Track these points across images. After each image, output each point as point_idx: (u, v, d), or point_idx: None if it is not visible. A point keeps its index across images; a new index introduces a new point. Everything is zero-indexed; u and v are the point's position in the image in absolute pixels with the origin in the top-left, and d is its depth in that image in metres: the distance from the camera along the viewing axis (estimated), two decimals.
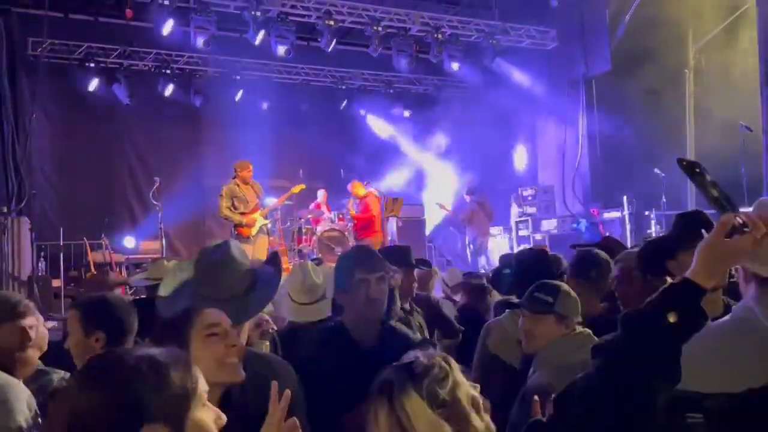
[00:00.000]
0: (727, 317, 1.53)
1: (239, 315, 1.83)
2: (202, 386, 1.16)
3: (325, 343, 2.51)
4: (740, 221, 1.36)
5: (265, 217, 8.59)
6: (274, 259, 2.42)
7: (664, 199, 9.69)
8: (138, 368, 1.09)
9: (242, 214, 8.35)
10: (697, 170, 1.46)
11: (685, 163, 1.47)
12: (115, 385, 1.08)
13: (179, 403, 1.11)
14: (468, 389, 1.44)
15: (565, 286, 2.53)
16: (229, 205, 8.29)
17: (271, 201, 10.32)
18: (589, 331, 2.49)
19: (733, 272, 1.68)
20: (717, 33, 9.91)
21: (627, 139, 9.84)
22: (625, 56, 10.15)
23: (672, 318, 1.33)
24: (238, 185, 8.40)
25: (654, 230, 9.49)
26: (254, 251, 8.21)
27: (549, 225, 10.81)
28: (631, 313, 1.42)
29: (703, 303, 1.36)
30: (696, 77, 10.51)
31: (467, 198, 10.95)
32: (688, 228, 2.42)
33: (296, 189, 9.04)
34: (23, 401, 2.06)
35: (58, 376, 2.67)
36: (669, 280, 1.52)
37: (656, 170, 9.55)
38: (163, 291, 2.10)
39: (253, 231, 8.41)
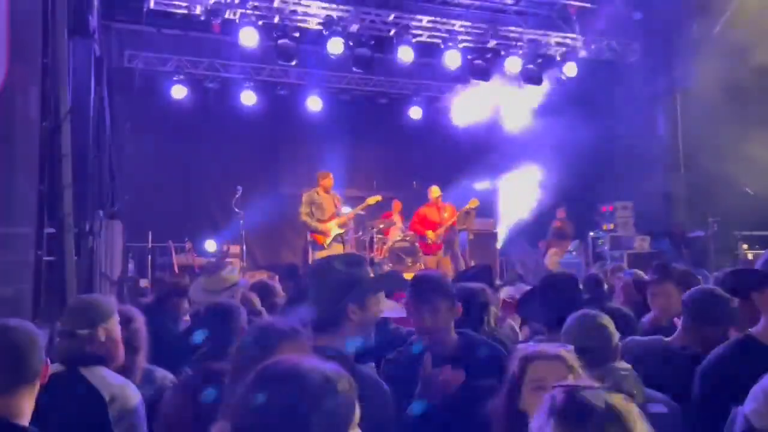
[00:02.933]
0: None
1: None
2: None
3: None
4: None
5: (341, 227, 8.75)
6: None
7: (754, 219, 9.24)
8: (311, 378, 1.17)
9: (319, 221, 8.56)
10: None
11: None
12: (287, 392, 1.16)
13: (345, 415, 1.19)
14: None
15: None
16: (307, 211, 8.53)
17: (347, 211, 10.54)
18: None
19: None
20: None
21: (713, 157, 9.45)
22: (712, 69, 9.77)
23: None
24: (318, 193, 8.64)
25: (740, 251, 9.06)
26: None
27: (627, 242, 10.50)
28: None
29: None
30: None
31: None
32: None
33: (372, 200, 9.16)
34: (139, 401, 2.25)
35: (161, 374, 2.86)
36: None
37: (746, 189, 9.11)
38: None
39: (328, 240, 8.59)
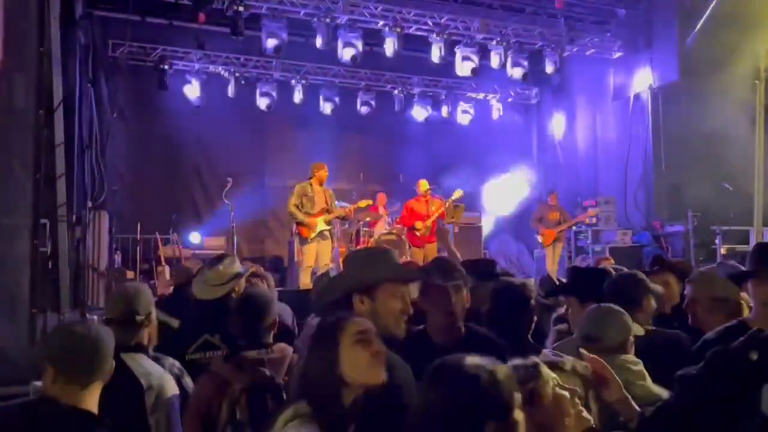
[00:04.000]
0: None
1: None
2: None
3: (408, 348, 2.68)
4: None
5: (328, 224, 8.67)
6: None
7: (732, 214, 9.48)
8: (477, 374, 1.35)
9: (307, 214, 8.49)
10: None
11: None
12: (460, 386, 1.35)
13: (508, 403, 1.35)
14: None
15: None
16: (297, 203, 8.42)
17: (340, 206, 10.53)
18: None
19: None
20: None
21: (693, 152, 9.67)
22: (694, 66, 9.98)
23: (754, 356, 1.51)
24: (311, 185, 8.52)
25: (719, 246, 9.29)
26: (318, 253, 8.37)
27: (609, 236, 10.69)
28: (718, 352, 1.60)
29: None
30: (767, 89, 10.23)
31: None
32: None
33: (362, 203, 9.10)
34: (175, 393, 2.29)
35: (169, 362, 2.87)
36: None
37: (725, 184, 9.34)
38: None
39: (312, 234, 8.51)
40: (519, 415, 1.37)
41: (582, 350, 1.89)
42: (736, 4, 9.40)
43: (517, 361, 1.58)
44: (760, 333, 1.58)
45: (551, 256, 10.44)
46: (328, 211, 8.51)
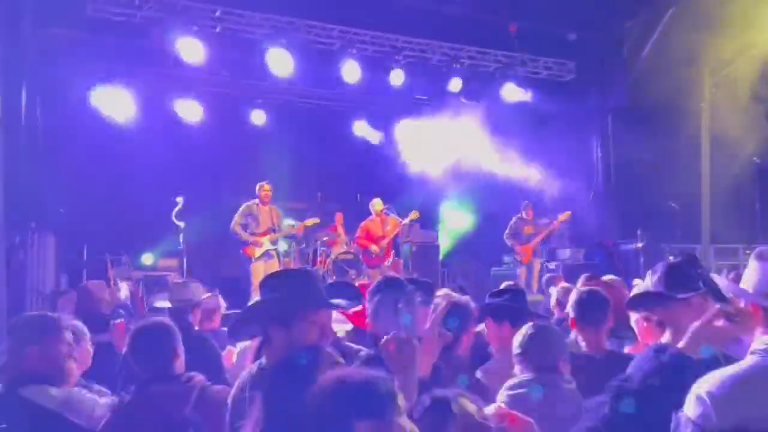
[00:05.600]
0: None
1: None
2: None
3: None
4: (731, 310, 1.59)
5: (273, 243, 8.68)
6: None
7: (680, 232, 9.75)
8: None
9: (252, 234, 8.50)
10: (692, 263, 1.80)
11: (676, 258, 1.80)
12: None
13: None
14: None
15: None
16: (241, 222, 8.51)
17: (287, 223, 10.48)
18: None
19: None
20: (733, 68, 10.03)
21: (643, 172, 9.94)
22: (642, 89, 10.29)
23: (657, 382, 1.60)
24: (256, 205, 8.59)
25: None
26: (265, 273, 8.34)
27: (563, 254, 10.86)
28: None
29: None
30: (713, 111, 10.61)
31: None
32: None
33: (309, 222, 9.16)
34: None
35: (96, 389, 2.79)
36: None
37: (671, 204, 9.62)
38: None
39: (257, 253, 8.52)
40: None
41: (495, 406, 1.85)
42: (682, 28, 9.75)
43: (439, 392, 1.59)
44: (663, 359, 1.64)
45: (527, 272, 10.11)
46: (274, 230, 8.53)
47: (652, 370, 1.64)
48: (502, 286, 3.76)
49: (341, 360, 1.82)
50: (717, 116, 10.42)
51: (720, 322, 1.61)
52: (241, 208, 8.61)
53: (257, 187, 8.72)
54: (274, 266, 8.52)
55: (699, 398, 1.49)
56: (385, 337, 1.93)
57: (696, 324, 1.66)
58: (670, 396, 1.56)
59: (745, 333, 1.62)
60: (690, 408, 1.50)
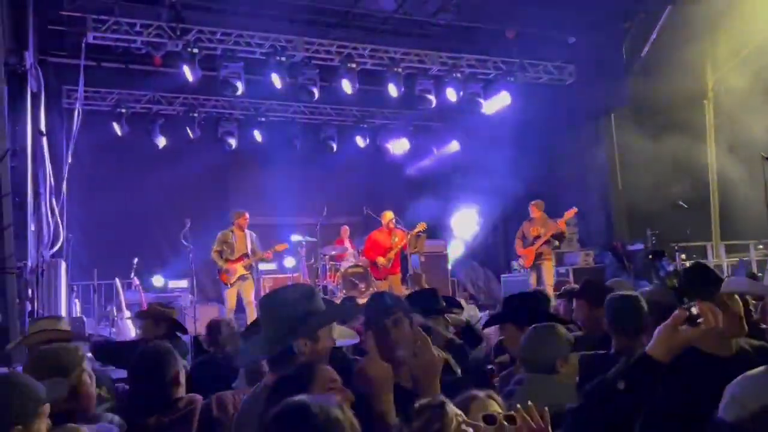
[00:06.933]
0: None
1: None
2: None
3: None
4: (695, 312, 1.58)
5: (246, 268, 8.87)
6: None
7: (689, 231, 9.68)
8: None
9: (227, 260, 8.72)
10: (661, 260, 1.78)
11: (650, 255, 1.78)
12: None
13: None
14: None
15: None
16: (218, 249, 8.76)
17: (296, 238, 10.53)
18: None
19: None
20: (735, 64, 9.99)
21: (648, 171, 9.88)
22: (644, 90, 10.26)
23: (621, 385, 1.56)
24: (233, 232, 8.86)
25: (678, 264, 9.45)
26: (240, 293, 8.78)
27: (572, 258, 10.80)
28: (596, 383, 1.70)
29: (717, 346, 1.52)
30: (716, 108, 10.57)
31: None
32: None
33: (279, 248, 9.32)
34: None
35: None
36: None
37: (680, 202, 9.55)
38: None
39: (232, 279, 8.73)
40: None
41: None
42: (682, 26, 9.73)
43: (424, 401, 1.59)
44: (627, 362, 1.63)
45: (536, 277, 9.39)
46: (247, 255, 8.77)
47: (620, 373, 1.64)
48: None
49: (337, 378, 1.85)
50: (721, 112, 10.37)
51: (683, 327, 1.59)
52: (218, 236, 8.96)
53: (233, 215, 9.02)
54: (249, 286, 8.83)
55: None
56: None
57: (661, 328, 1.63)
58: (635, 398, 1.57)
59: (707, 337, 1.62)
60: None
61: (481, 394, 1.76)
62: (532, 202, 9.69)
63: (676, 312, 1.59)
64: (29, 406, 1.91)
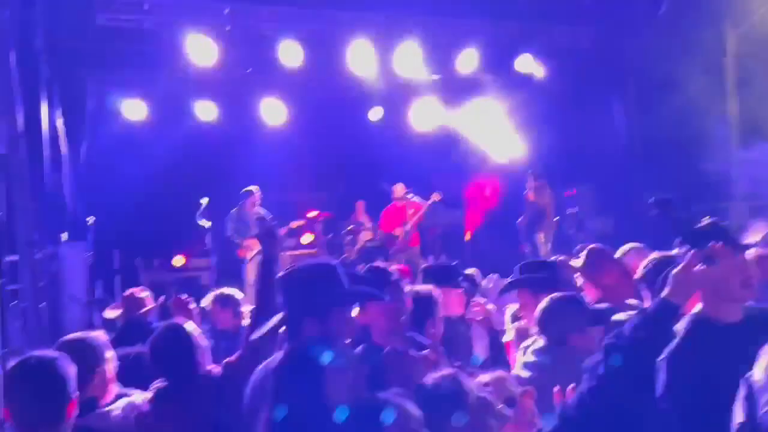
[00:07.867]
0: None
1: None
2: None
3: None
4: (709, 255, 1.61)
5: None
6: None
7: (710, 193, 9.51)
8: None
9: (242, 237, 8.84)
10: (670, 208, 1.78)
11: (658, 201, 1.77)
12: None
13: None
14: None
15: None
16: (234, 226, 8.85)
17: (311, 214, 10.53)
18: None
19: None
20: (757, 20, 9.68)
21: (668, 134, 9.68)
22: (663, 48, 10.00)
23: (641, 334, 1.62)
24: (244, 210, 8.97)
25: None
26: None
27: (592, 224, 10.70)
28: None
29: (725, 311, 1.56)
30: (737, 65, 10.28)
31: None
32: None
33: (295, 225, 9.50)
34: None
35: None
36: None
37: (700, 164, 9.36)
38: None
39: (250, 254, 8.93)
40: None
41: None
42: None
43: (442, 372, 1.64)
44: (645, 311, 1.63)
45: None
46: None
47: (640, 322, 1.65)
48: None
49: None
50: (742, 69, 10.08)
51: (699, 267, 1.58)
52: (231, 213, 9.28)
53: (244, 193, 9.29)
54: None
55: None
56: None
57: (675, 271, 1.60)
58: (657, 345, 1.56)
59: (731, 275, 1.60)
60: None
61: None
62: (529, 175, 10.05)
63: (692, 252, 1.60)
64: None
